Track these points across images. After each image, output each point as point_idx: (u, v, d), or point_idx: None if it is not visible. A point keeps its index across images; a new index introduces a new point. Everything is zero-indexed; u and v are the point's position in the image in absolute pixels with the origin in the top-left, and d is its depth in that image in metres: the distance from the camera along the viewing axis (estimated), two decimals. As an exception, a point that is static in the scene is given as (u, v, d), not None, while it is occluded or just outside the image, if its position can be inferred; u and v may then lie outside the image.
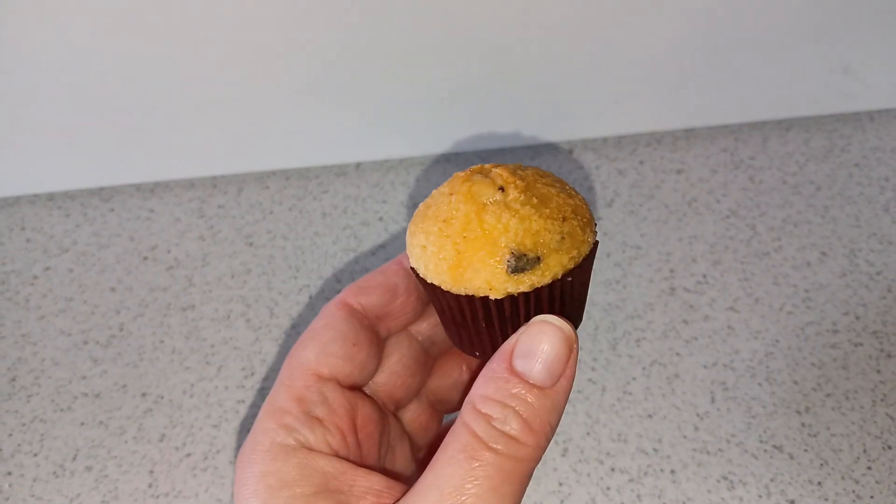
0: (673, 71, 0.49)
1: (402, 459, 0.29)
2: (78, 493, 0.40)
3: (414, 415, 0.31)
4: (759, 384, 0.42)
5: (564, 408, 0.24)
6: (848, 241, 0.48)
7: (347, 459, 0.25)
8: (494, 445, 0.22)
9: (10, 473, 0.41)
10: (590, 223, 0.26)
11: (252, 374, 0.44)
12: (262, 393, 0.43)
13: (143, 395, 0.43)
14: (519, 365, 0.23)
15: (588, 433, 0.41)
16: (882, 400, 0.42)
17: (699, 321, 0.45)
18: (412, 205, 0.50)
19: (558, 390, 0.23)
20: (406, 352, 0.29)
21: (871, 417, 0.41)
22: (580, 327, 0.44)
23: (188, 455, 0.41)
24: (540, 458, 0.23)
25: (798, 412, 0.41)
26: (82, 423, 0.42)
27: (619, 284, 0.46)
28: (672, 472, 0.40)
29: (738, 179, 0.51)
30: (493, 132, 0.52)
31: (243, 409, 0.42)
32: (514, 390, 0.23)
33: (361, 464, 0.25)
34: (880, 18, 0.47)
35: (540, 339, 0.23)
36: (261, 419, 0.25)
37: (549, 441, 0.23)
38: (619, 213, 0.49)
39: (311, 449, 0.24)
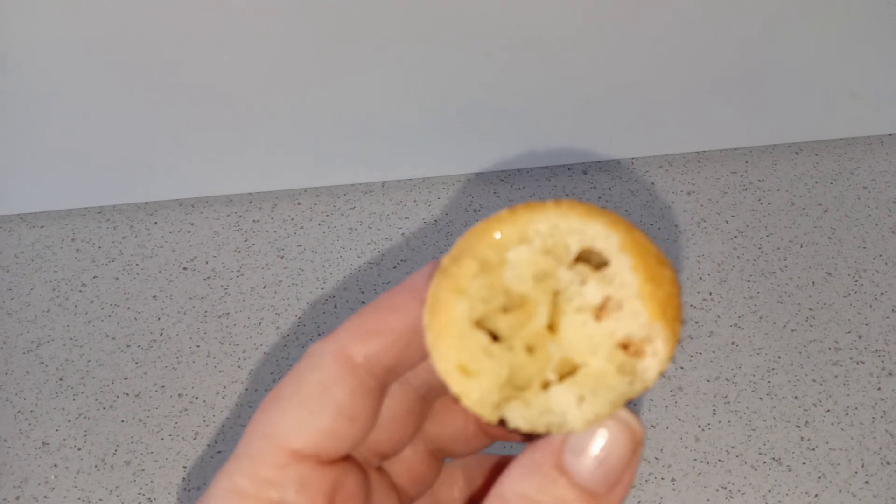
0: (685, 96, 0.51)
1: None
2: (117, 485, 0.44)
3: (406, 465, 0.25)
4: (761, 398, 0.44)
5: None
6: (853, 262, 0.49)
7: None
8: None
9: (55, 465, 0.44)
10: None
11: (280, 377, 0.47)
12: (289, 396, 0.46)
13: (180, 395, 0.47)
14: (570, 462, 0.19)
15: (593, 441, 0.43)
16: (882, 416, 0.43)
17: (704, 337, 0.47)
18: (433, 222, 0.53)
19: (612, 501, 0.19)
20: (398, 404, 0.23)
21: (871, 433, 0.43)
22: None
23: (219, 452, 0.44)
24: None
25: (798, 426, 0.43)
26: (123, 421, 0.46)
27: (628, 300, 0.48)
28: (672, 480, 0.42)
29: (746, 201, 0.52)
30: (512, 154, 0.54)
31: (270, 411, 0.45)
32: (560, 492, 0.19)
33: None
34: (884, 48, 0.49)
35: (599, 434, 0.19)
36: (216, 497, 0.20)
37: None
38: (631, 232, 0.51)
39: None
